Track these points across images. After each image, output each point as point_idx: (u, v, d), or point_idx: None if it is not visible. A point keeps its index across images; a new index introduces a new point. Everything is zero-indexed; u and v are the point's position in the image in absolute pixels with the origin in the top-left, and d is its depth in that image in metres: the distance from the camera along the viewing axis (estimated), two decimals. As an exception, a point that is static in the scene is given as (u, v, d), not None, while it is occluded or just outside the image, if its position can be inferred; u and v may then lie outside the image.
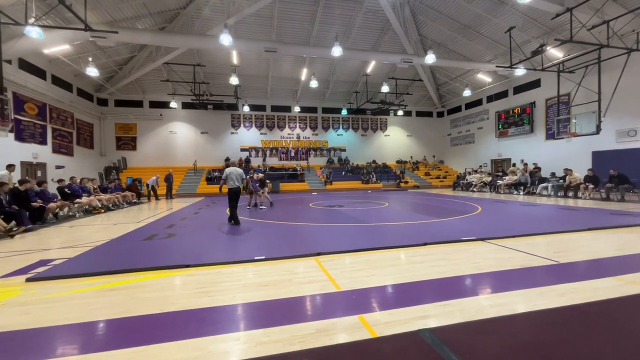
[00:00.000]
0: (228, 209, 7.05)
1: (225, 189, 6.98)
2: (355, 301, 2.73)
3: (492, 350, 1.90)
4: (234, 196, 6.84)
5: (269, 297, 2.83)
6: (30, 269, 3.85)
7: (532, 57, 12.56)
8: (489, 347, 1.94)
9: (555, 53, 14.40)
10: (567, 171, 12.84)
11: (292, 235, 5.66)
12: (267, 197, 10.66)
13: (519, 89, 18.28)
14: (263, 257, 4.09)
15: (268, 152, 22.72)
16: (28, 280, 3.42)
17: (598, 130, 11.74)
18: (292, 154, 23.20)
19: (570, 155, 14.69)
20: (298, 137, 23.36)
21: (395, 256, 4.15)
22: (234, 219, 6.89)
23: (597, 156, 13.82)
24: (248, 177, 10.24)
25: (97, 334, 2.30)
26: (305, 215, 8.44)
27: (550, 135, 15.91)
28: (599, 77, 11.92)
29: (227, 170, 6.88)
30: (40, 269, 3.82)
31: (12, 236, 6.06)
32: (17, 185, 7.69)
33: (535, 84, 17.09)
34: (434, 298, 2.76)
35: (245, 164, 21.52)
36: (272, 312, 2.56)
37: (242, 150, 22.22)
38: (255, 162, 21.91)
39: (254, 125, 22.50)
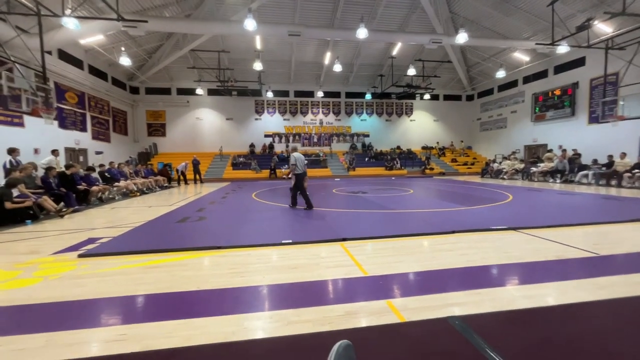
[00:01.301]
0: (294, 194, 7.14)
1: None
2: (383, 286, 2.77)
3: (525, 342, 1.88)
4: (302, 181, 6.98)
5: (298, 280, 2.94)
6: (81, 246, 4.23)
7: (577, 32, 11.47)
8: (522, 338, 1.91)
9: (604, 28, 13.03)
10: (621, 155, 11.87)
11: (317, 221, 5.75)
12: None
13: (560, 68, 16.83)
14: (290, 241, 4.21)
15: (291, 138, 22.82)
16: (80, 256, 3.77)
17: (650, 113, 10.71)
18: (315, 140, 23.17)
19: (616, 141, 13.45)
20: (321, 122, 23.21)
21: (421, 243, 4.13)
22: (306, 202, 6.93)
23: (647, 142, 12.64)
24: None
25: (144, 306, 2.52)
26: (329, 201, 8.51)
27: (593, 119, 14.67)
28: (655, 53, 10.75)
29: (296, 155, 6.90)
30: (90, 246, 4.19)
31: (62, 216, 6.64)
32: (63, 169, 8.36)
33: (579, 62, 15.66)
34: (463, 286, 2.74)
35: (268, 150, 21.85)
36: (301, 294, 2.66)
37: (266, 136, 22.48)
38: (279, 148, 22.13)
39: (277, 111, 22.59)
